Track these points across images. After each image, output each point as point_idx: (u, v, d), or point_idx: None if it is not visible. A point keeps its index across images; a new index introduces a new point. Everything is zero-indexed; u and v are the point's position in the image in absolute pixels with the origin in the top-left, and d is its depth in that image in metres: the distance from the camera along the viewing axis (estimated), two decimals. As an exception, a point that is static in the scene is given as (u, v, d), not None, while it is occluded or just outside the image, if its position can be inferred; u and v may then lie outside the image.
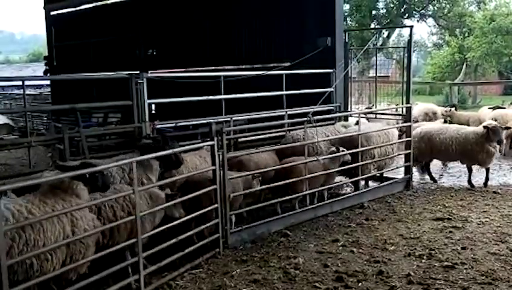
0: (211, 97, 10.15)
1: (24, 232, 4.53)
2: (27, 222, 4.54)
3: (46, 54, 22.13)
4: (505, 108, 15.53)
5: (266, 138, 10.20)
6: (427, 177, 11.53)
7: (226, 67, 13.17)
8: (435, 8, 35.78)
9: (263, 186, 8.01)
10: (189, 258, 6.52)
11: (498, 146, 10.71)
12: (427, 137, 11.02)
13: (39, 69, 36.00)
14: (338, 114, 11.53)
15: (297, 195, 8.49)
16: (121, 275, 5.65)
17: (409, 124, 10.46)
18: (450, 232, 7.79)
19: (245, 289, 5.92)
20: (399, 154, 10.60)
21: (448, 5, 35.56)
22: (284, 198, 8.42)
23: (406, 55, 12.26)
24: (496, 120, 12.56)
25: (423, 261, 6.64)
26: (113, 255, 5.51)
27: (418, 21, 35.94)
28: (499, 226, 7.99)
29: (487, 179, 10.75)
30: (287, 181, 8.23)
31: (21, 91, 13.26)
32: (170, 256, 6.26)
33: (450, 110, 15.91)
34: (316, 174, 8.65)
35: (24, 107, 10.63)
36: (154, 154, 6.33)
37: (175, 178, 6.81)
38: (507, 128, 11.33)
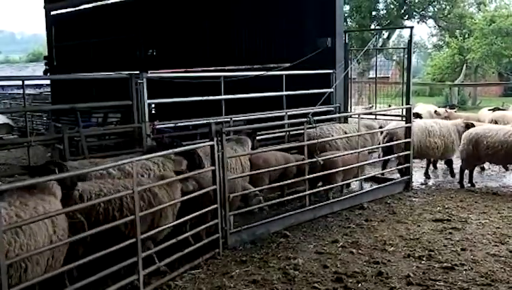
0: (210, 97, 10.15)
1: (18, 236, 4.41)
2: (22, 223, 4.45)
3: (46, 54, 22.14)
4: (504, 110, 15.52)
5: (266, 138, 10.20)
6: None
7: (226, 67, 13.18)
8: (435, 9, 35.75)
9: (296, 179, 8.53)
10: (189, 259, 6.51)
11: None
12: (475, 139, 10.54)
13: (39, 69, 36.04)
14: (338, 115, 11.54)
15: (331, 186, 9.14)
16: (119, 275, 5.64)
17: (408, 124, 10.46)
18: (450, 233, 7.78)
19: (244, 289, 5.92)
20: (399, 155, 10.58)
21: (448, 7, 35.53)
22: (317, 189, 9.17)
23: (406, 56, 12.27)
24: (496, 122, 12.56)
25: (423, 262, 6.63)
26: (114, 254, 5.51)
27: (418, 22, 35.93)
28: (499, 228, 7.99)
29: None
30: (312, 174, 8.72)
31: (21, 91, 13.27)
32: (170, 256, 6.25)
33: (446, 111, 15.85)
34: (353, 166, 9.39)
35: (24, 106, 10.61)
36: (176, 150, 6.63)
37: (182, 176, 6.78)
38: None
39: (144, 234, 5.65)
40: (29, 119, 19.01)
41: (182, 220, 6.41)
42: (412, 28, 12.62)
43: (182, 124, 9.74)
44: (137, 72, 8.50)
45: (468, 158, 10.74)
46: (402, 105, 12.15)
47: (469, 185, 10.89)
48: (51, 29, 21.44)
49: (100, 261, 5.32)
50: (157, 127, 8.62)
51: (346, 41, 12.50)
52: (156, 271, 6.04)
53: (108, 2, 18.92)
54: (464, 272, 6.30)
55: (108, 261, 5.42)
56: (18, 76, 30.12)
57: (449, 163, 11.71)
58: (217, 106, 10.13)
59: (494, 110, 15.16)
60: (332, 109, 11.70)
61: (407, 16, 34.93)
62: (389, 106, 15.96)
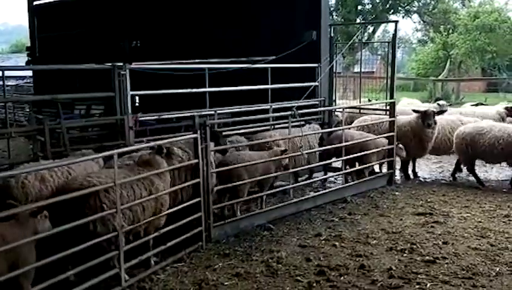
0: (195, 90, 10.07)
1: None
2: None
3: (29, 45, 21.84)
4: (487, 105, 15.67)
5: (251, 131, 10.16)
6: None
7: (211, 60, 13.09)
8: (420, 4, 36.02)
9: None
10: (172, 252, 6.48)
11: None
12: (469, 138, 10.49)
13: (22, 60, 35.51)
14: (322, 108, 11.54)
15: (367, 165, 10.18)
16: (101, 268, 5.59)
17: (392, 119, 10.49)
18: (432, 227, 7.85)
19: (227, 282, 5.90)
20: (386, 148, 10.60)
21: (433, 2, 35.84)
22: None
23: (391, 50, 12.26)
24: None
25: (405, 255, 6.67)
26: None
27: (403, 17, 36.19)
28: (480, 221, 8.08)
29: None
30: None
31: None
32: (152, 249, 6.21)
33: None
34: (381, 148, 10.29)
35: (4, 97, 10.42)
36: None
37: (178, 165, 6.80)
38: None
39: (127, 227, 5.61)
40: (10, 111, 18.79)
41: (169, 211, 6.40)
42: (396, 22, 12.60)
43: (166, 116, 9.65)
44: (121, 63, 8.39)
45: (465, 157, 10.76)
46: (386, 99, 12.16)
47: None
48: (33, 20, 21.12)
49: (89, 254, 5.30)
50: (140, 119, 8.52)
51: (332, 35, 12.48)
52: (138, 264, 5.98)
53: (92, -8, 18.67)
54: (446, 265, 6.35)
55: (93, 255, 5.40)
56: (-3, 66, 29.72)
57: None
58: (201, 98, 10.06)
59: (477, 105, 15.28)
60: (317, 102, 11.68)
61: (392, 10, 35.15)
62: (369, 100, 16.01)
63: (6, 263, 4.42)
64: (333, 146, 9.77)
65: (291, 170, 8.80)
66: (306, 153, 9.17)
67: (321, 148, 9.89)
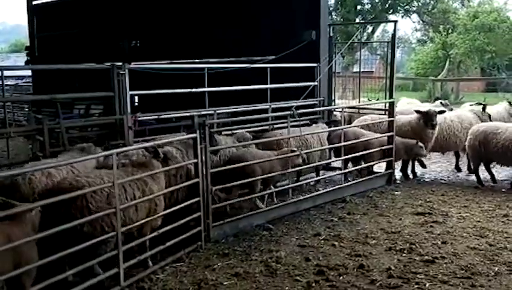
0: (194, 90, 10.07)
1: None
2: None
3: (28, 45, 21.81)
4: (486, 104, 15.62)
5: (250, 131, 10.15)
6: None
7: (210, 60, 13.09)
8: (419, 3, 36.05)
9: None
10: (171, 252, 6.48)
11: None
12: (483, 136, 10.31)
13: (21, 59, 35.54)
14: (321, 108, 11.54)
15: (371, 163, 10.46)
16: (101, 267, 5.60)
17: (391, 119, 10.50)
18: (431, 226, 7.85)
19: (226, 282, 5.90)
20: (383, 148, 10.61)
21: (432, 1, 35.88)
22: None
23: (390, 50, 12.24)
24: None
25: (404, 255, 6.68)
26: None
27: (402, 17, 36.21)
28: (479, 221, 8.08)
29: None
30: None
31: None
32: (151, 249, 6.22)
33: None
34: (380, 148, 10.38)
35: (3, 97, 10.39)
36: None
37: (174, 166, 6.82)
38: None
39: (124, 227, 5.61)
40: (9, 110, 18.80)
41: (167, 211, 6.40)
42: (396, 21, 12.58)
43: (165, 116, 9.64)
44: (120, 63, 8.38)
45: (474, 155, 10.69)
46: (385, 99, 12.16)
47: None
48: (32, 20, 21.09)
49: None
50: (140, 119, 8.52)
51: (331, 34, 12.48)
52: (137, 264, 5.98)
53: (91, -8, 18.64)
54: (445, 265, 6.35)
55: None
56: (-3, 66, 29.63)
57: None
58: (201, 98, 10.06)
59: (476, 105, 15.22)
60: (316, 102, 11.68)
61: (391, 10, 35.19)
62: (369, 100, 16.03)
63: (11, 264, 4.42)
64: (341, 144, 9.86)
65: (297, 168, 8.96)
66: (318, 151, 9.60)
67: (330, 146, 10.10)
